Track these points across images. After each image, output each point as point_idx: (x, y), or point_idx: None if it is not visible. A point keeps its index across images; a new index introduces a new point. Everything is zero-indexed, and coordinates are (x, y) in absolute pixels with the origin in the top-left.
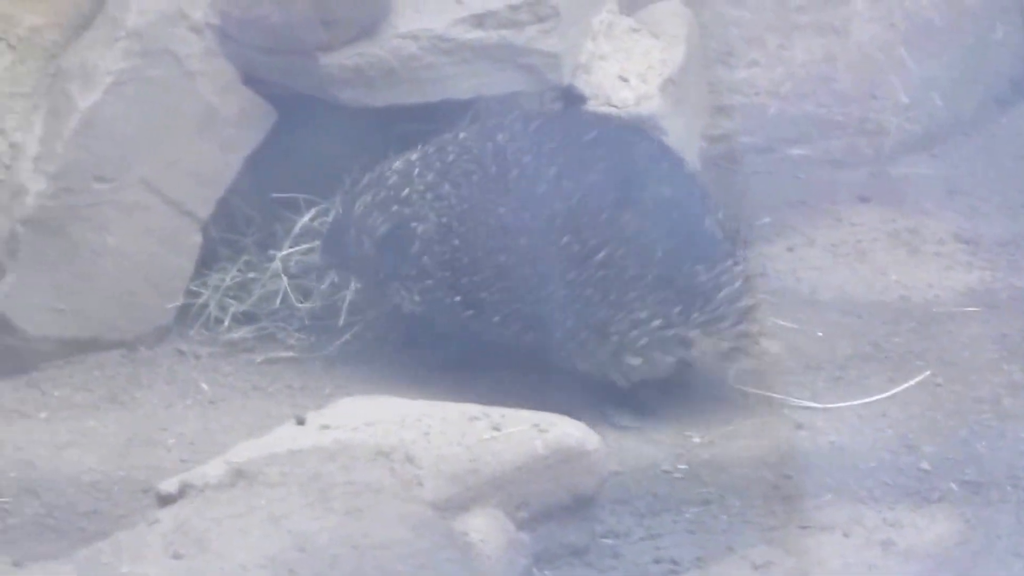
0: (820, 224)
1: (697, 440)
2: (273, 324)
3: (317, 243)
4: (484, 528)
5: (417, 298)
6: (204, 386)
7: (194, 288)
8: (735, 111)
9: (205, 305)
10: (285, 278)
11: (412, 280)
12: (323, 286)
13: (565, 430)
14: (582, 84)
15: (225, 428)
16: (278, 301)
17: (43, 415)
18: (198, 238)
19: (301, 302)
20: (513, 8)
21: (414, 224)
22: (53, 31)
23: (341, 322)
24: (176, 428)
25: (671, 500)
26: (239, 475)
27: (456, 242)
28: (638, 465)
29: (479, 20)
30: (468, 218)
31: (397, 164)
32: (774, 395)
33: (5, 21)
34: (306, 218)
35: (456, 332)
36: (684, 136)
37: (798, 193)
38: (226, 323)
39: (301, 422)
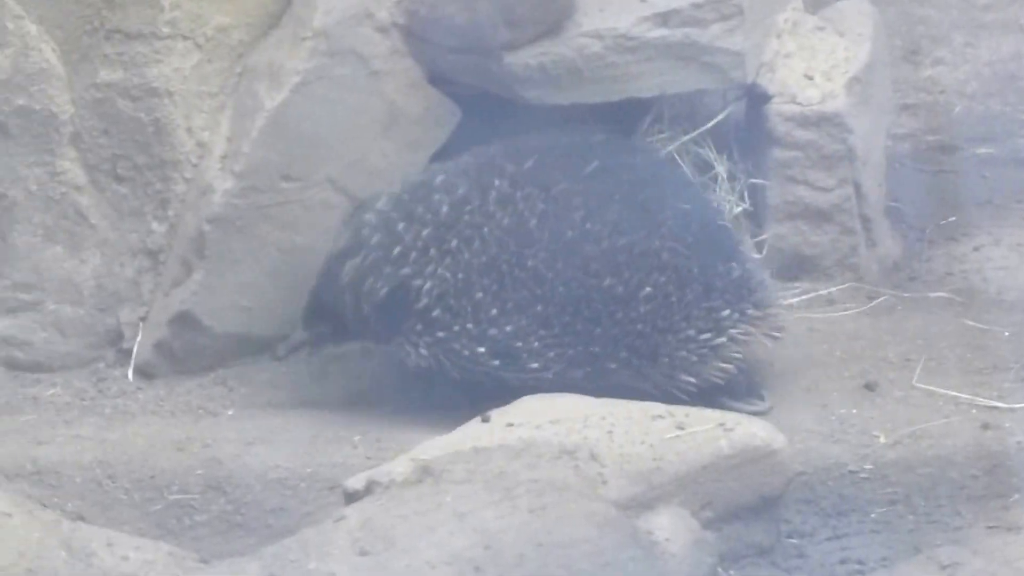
0: (1006, 223)
1: (883, 440)
2: None
3: None
4: (669, 527)
5: (424, 352)
6: (389, 383)
7: None
8: (921, 110)
9: None
10: None
11: (417, 335)
12: None
13: (751, 430)
14: (767, 82)
15: (410, 425)
16: None
17: (230, 412)
18: None
19: None
20: (697, 6)
21: (417, 282)
22: (240, 30)
23: None
24: (362, 425)
25: (857, 500)
26: (425, 472)
27: (479, 295)
28: (824, 465)
29: (663, 18)
30: (490, 270)
31: (370, 217)
32: (960, 395)
33: (193, 20)
34: None
35: (475, 380)
36: (870, 134)
37: (984, 192)
38: None
39: (486, 420)
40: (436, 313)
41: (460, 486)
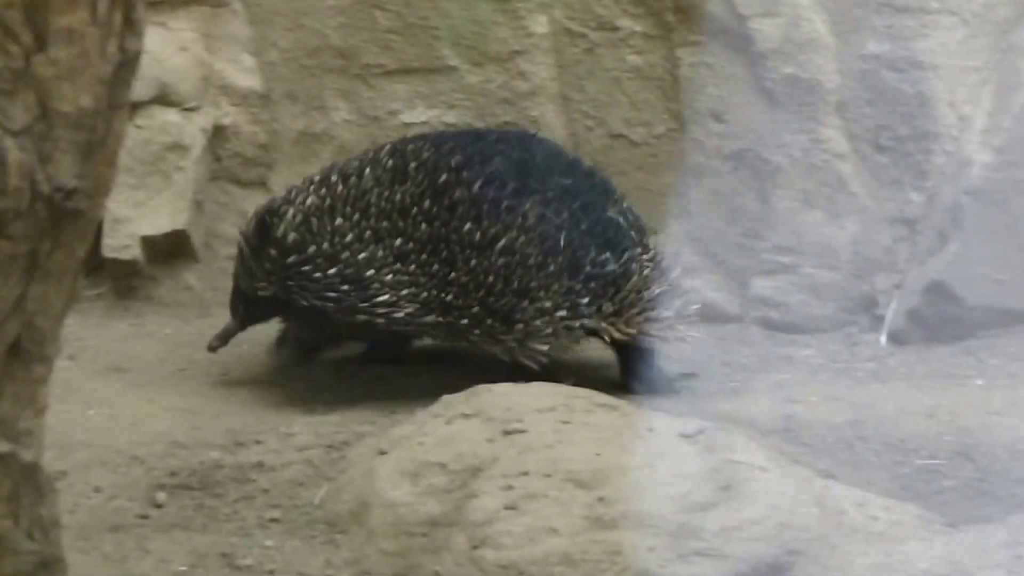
0: None
1: None
2: None
3: None
4: None
5: (290, 283)
6: None
7: None
8: None
9: None
10: None
11: (272, 261)
12: None
13: None
14: None
15: None
16: None
17: (979, 382)
18: None
19: None
20: None
21: (283, 208)
22: (1006, 7)
23: None
24: None
25: None
26: None
27: (339, 221)
28: None
29: None
30: (357, 200)
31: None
32: None
33: None
34: None
35: (336, 317)
36: None
37: None
38: None
39: None
40: (291, 237)
41: None
